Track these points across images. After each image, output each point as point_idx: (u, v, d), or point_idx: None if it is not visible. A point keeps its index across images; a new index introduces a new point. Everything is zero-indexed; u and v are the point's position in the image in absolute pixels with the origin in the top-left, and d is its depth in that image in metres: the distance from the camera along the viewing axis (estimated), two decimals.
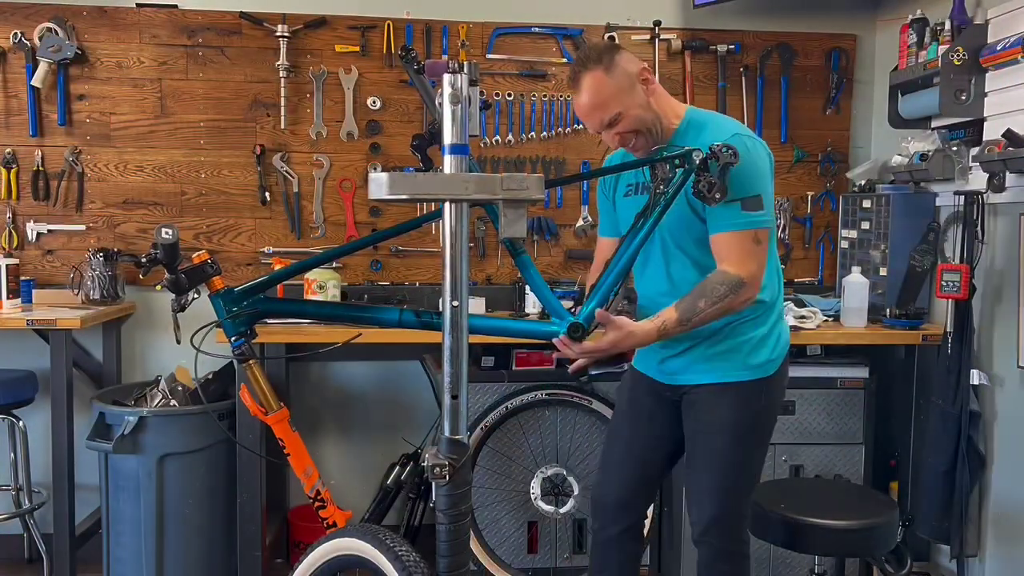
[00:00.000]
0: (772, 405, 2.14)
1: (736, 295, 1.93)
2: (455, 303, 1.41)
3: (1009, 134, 2.57)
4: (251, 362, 1.92)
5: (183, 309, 1.91)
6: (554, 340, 1.85)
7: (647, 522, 2.42)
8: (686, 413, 2.14)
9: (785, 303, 3.13)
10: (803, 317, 3.05)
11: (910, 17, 3.09)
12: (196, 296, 1.92)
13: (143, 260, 1.86)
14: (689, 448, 2.15)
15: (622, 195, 2.17)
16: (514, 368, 3.05)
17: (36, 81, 3.23)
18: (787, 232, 3.60)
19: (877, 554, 2.66)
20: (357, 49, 3.39)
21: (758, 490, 2.28)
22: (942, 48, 2.86)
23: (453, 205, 1.39)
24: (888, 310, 3.10)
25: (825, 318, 3.12)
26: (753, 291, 1.96)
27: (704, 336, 2.05)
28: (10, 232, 3.30)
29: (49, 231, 3.33)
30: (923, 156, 3.02)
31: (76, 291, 3.20)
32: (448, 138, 1.40)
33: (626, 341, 1.89)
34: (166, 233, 1.82)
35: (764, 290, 2.02)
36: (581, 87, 1.97)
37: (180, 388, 3.03)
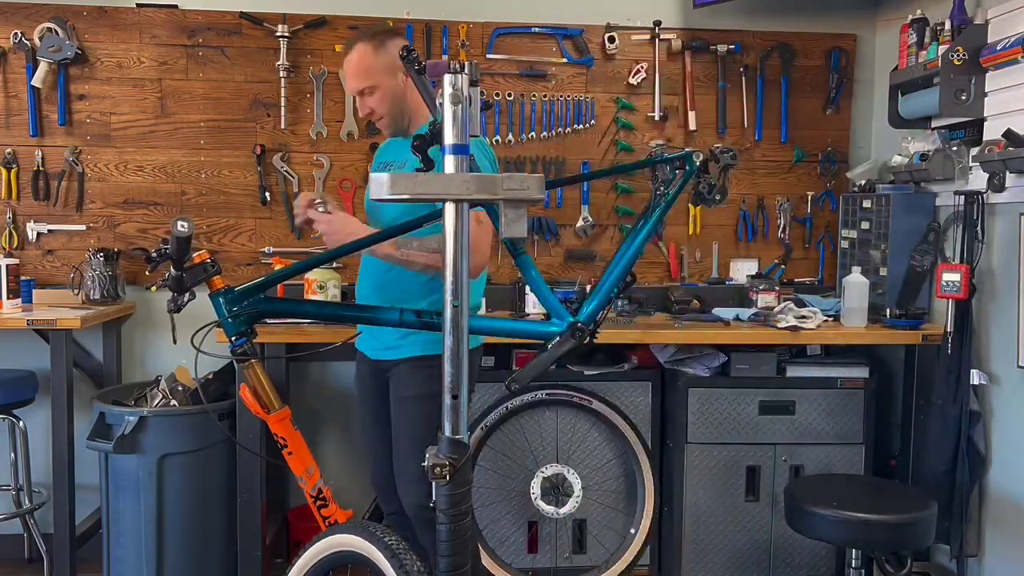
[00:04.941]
0: None
1: None
2: (455, 303, 1.41)
3: (1009, 134, 2.57)
4: (253, 361, 1.91)
5: (179, 310, 1.90)
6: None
7: None
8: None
9: (785, 302, 3.16)
10: (803, 317, 3.05)
11: (910, 17, 3.09)
12: (192, 298, 1.92)
13: (154, 255, 1.85)
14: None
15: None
16: (514, 368, 3.05)
17: (36, 81, 3.23)
18: (788, 232, 3.60)
19: (922, 546, 2.70)
20: None
21: (801, 486, 2.60)
22: (942, 48, 2.86)
23: (454, 205, 1.39)
24: (888, 310, 3.10)
25: (825, 318, 3.12)
26: None
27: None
28: (10, 232, 3.30)
29: (49, 231, 3.33)
30: (923, 156, 3.03)
31: (76, 291, 3.20)
32: (449, 138, 1.40)
33: (345, 223, 2.20)
34: (182, 226, 1.79)
35: None
36: (352, 50, 2.32)
37: (180, 388, 3.03)
